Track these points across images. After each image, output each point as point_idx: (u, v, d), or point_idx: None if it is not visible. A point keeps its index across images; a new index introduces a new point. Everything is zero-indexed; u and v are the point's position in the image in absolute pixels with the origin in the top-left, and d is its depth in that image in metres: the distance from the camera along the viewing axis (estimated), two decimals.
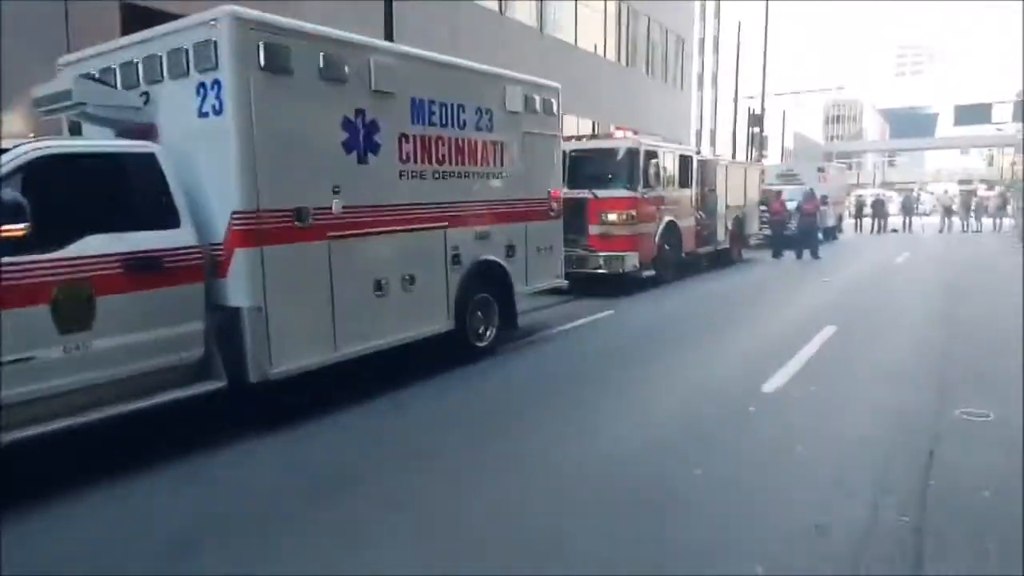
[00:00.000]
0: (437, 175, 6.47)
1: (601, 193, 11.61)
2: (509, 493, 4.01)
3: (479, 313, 7.20)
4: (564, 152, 12.13)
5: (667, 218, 12.66)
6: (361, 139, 5.65)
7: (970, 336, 7.88)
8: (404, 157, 6.10)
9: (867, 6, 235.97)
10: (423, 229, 6.32)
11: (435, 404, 5.74)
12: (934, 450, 4.46)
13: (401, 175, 6.09)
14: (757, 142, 31.46)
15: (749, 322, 9.22)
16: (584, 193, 11.71)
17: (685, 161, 13.63)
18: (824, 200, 22.42)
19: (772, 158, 38.39)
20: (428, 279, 6.38)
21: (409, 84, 6.10)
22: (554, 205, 8.24)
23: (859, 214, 30.74)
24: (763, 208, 18.51)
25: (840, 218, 26.45)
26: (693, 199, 14.10)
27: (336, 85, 5.42)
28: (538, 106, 7.81)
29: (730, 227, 16.06)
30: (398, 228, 6.04)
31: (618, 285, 11.75)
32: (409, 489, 4.06)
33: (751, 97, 33.37)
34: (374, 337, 5.85)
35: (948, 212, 29.22)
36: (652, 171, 11.81)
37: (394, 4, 14.00)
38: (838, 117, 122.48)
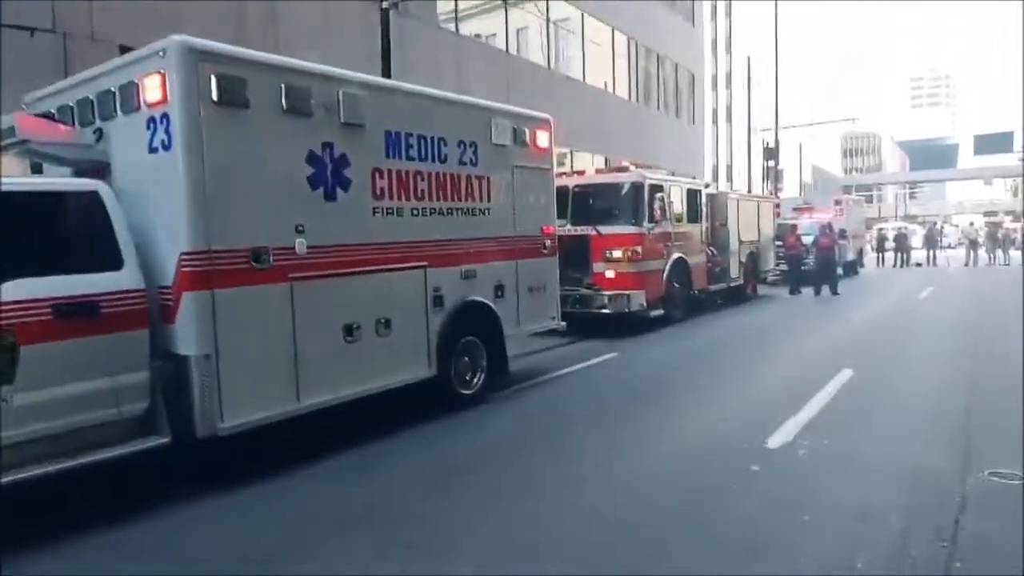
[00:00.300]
0: (416, 212, 6.11)
1: (605, 230, 11.20)
2: (477, 559, 3.52)
3: (465, 358, 6.76)
4: (567, 188, 11.90)
5: (676, 255, 12.19)
6: (329, 174, 5.32)
7: (998, 383, 7.25)
8: (378, 193, 5.75)
9: (877, 38, 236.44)
10: (400, 269, 5.93)
11: (403, 461, 5.26)
12: (959, 519, 3.89)
13: (375, 212, 5.73)
14: (772, 175, 31.01)
15: (759, 365, 8.66)
16: (587, 230, 11.33)
17: (693, 195, 13.21)
18: (843, 234, 21.83)
19: (789, 191, 37.90)
20: (406, 322, 5.97)
21: (383, 116, 5.78)
22: (547, 242, 7.84)
23: (881, 248, 30.00)
24: (778, 243, 17.96)
25: (861, 252, 25.74)
26: (703, 234, 13.64)
27: (300, 118, 5.11)
28: (528, 139, 7.47)
29: (743, 263, 15.53)
30: (372, 268, 5.66)
31: (624, 325, 11.25)
32: (357, 565, 3.59)
33: (766, 130, 33.01)
34: (344, 386, 5.43)
35: (974, 245, 28.37)
36: (658, 206, 11.40)
37: (406, 42, 14.05)
38: (856, 150, 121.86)
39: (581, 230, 11.39)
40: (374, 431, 5.81)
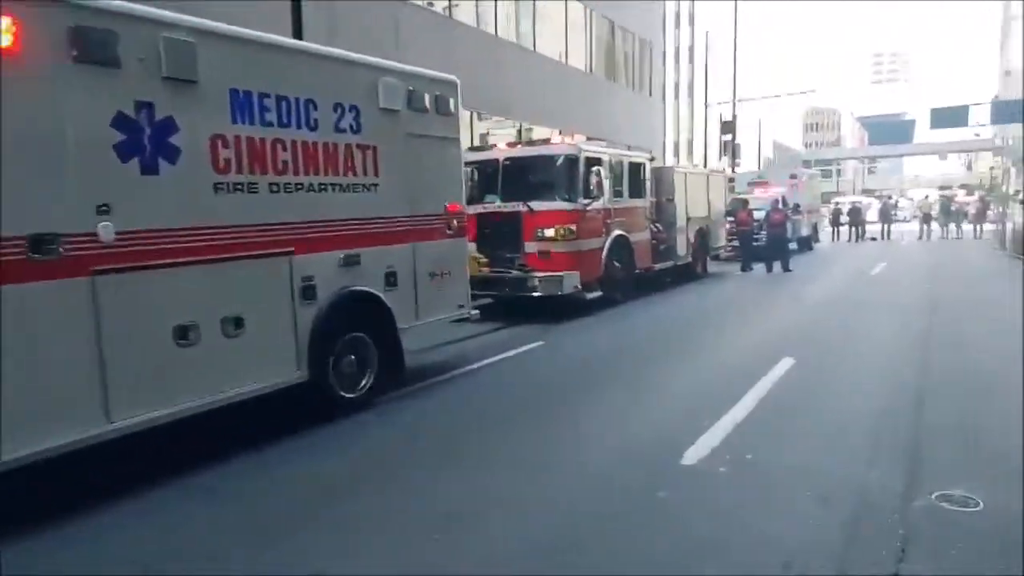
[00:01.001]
0: (277, 188, 5.11)
1: (537, 206, 10.30)
2: None
3: (351, 357, 5.83)
4: (496, 161, 10.97)
5: (616, 232, 11.36)
6: (147, 142, 4.28)
7: (952, 372, 6.60)
8: (222, 165, 4.73)
9: (842, 13, 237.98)
10: (255, 256, 4.95)
11: (251, 486, 4.34)
12: (903, 560, 3.15)
13: (218, 188, 4.72)
14: (730, 150, 30.42)
15: (694, 354, 7.91)
16: (518, 206, 10.42)
17: (636, 168, 12.37)
18: (796, 209, 21.36)
19: (748, 166, 37.45)
20: (265, 319, 5.00)
21: (226, 72, 4.75)
22: (453, 222, 6.89)
23: (836, 222, 29.75)
24: (730, 219, 17.29)
25: (816, 227, 25.35)
26: (648, 210, 12.85)
27: (102, 70, 4.06)
28: (428, 103, 6.48)
29: (692, 240, 14.80)
30: (214, 257, 4.67)
31: (562, 309, 10.44)
32: None
33: (722, 103, 32.37)
34: (178, 399, 4.45)
35: (927, 219, 28.26)
36: (595, 180, 10.51)
37: (337, 6, 12.83)
38: (817, 125, 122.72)
39: (511, 207, 10.49)
40: (234, 447, 4.86)
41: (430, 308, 6.57)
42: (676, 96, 52.06)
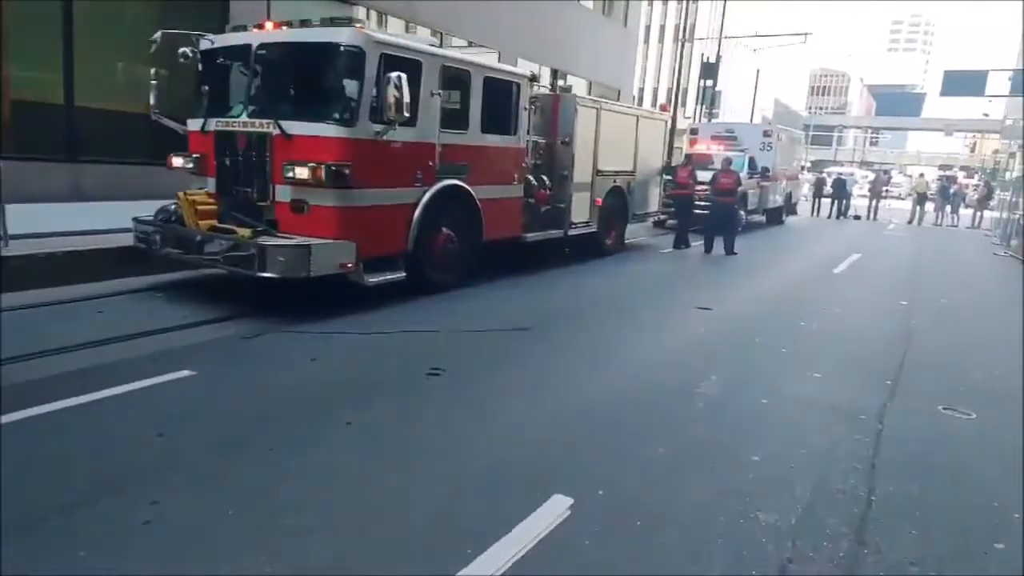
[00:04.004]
0: None
1: (292, 127, 6.31)
2: None
3: None
4: (248, 47, 6.87)
5: (445, 182, 7.42)
6: None
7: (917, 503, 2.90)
8: None
9: None
10: None
11: None
12: None
13: None
14: (708, 97, 26.08)
15: (464, 427, 4.12)
16: (265, 125, 6.44)
17: (500, 90, 8.33)
18: (765, 173, 17.41)
19: (730, 118, 33.13)
20: None
21: None
22: None
23: (819, 194, 25.84)
24: (669, 177, 13.30)
25: (790, 197, 21.41)
26: (523, 155, 8.87)
27: None
28: None
29: (602, 202, 10.86)
30: None
31: (340, 294, 6.65)
32: None
33: (705, 39, 27.78)
34: None
35: (922, 200, 24.41)
36: (393, 95, 6.41)
37: None
38: (824, 89, 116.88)
39: (261, 125, 6.50)
40: None
41: None
42: (660, 40, 47.02)
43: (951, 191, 25.58)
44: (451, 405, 4.36)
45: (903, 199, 34.16)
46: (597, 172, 10.61)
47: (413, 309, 6.77)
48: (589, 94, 16.72)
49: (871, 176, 32.32)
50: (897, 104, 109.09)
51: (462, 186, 7.68)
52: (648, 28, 56.00)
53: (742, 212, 16.09)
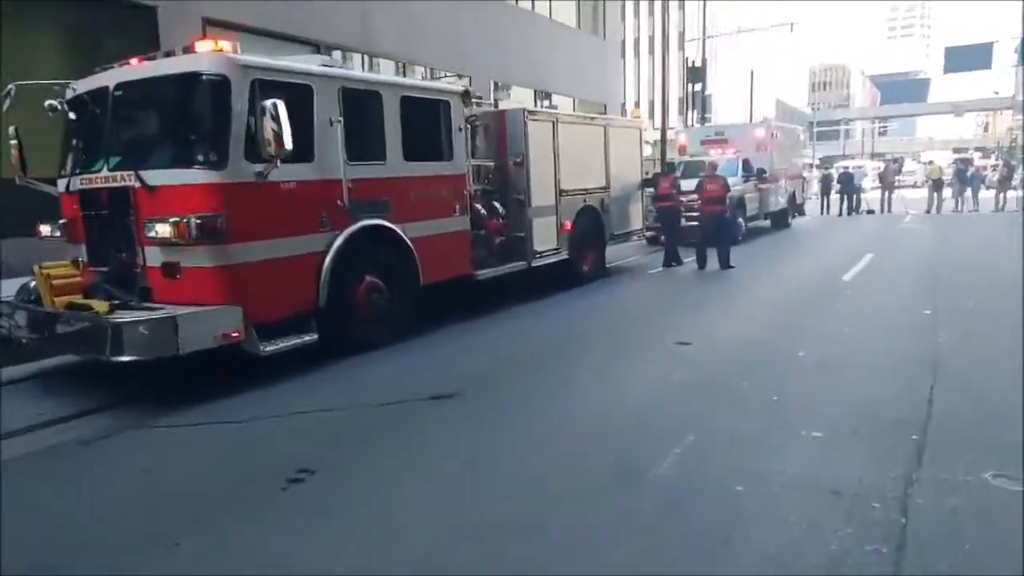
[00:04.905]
0: None
1: (154, 177, 5.25)
2: None
3: None
4: (105, 91, 5.84)
5: (361, 222, 6.29)
6: None
7: None
8: None
9: None
10: None
11: None
12: None
13: None
14: (698, 103, 24.92)
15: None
16: (126, 178, 5.38)
17: (429, 110, 7.24)
18: (762, 175, 16.11)
19: (721, 122, 31.88)
20: None
21: None
22: None
23: (827, 191, 24.43)
24: (651, 190, 12.09)
25: (794, 197, 20.02)
26: (464, 182, 7.73)
27: None
28: None
29: (573, 226, 9.67)
30: None
31: (231, 372, 5.51)
32: None
33: (692, 39, 26.71)
34: None
35: (938, 186, 22.87)
36: (279, 127, 5.24)
37: None
38: (825, 84, 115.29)
39: (121, 178, 5.44)
40: None
41: None
42: (650, 52, 46.13)
43: (968, 174, 23.99)
44: (307, 530, 3.14)
45: (919, 187, 32.54)
46: (561, 192, 9.43)
47: (317, 380, 5.58)
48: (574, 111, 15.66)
49: (881, 167, 30.79)
50: (901, 91, 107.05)
51: (385, 225, 6.55)
52: (637, 41, 55.37)
53: (740, 220, 14.83)
